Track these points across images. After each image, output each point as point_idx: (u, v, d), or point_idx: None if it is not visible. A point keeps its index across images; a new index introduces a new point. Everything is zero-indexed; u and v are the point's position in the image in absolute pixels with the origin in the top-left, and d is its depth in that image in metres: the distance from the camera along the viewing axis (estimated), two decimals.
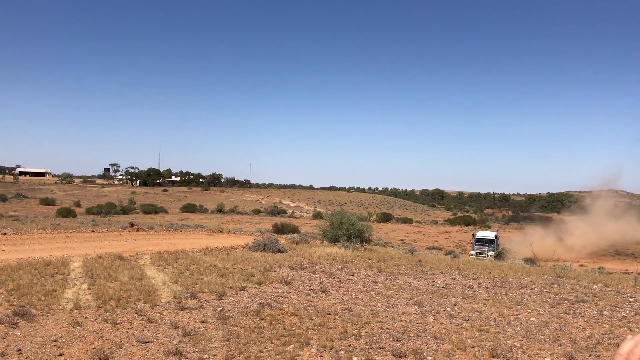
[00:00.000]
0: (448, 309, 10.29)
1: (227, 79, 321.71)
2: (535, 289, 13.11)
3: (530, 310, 10.45)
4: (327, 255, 17.76)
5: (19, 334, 7.50)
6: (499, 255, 44.80)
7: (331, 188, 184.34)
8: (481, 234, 49.16)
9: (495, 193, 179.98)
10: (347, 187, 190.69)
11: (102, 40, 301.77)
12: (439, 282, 13.65)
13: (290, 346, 7.34)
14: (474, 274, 15.51)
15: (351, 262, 16.33)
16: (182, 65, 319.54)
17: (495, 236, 47.69)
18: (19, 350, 6.86)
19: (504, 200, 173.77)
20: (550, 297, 11.98)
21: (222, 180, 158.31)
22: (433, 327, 8.81)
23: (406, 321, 9.12)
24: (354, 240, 21.16)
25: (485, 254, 42.85)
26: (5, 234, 21.61)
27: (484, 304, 11.02)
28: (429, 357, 7.14)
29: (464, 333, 8.44)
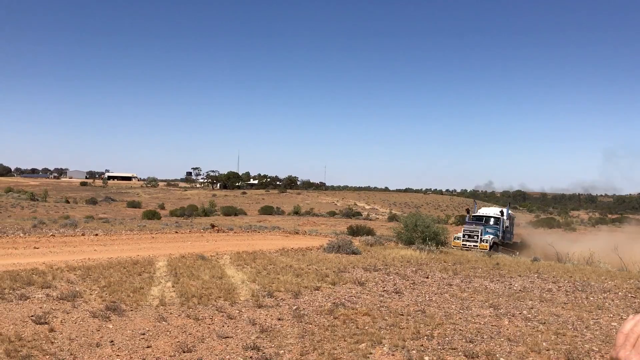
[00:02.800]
0: (524, 312, 10.13)
1: (304, 83, 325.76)
2: (619, 293, 12.62)
3: (611, 315, 10.11)
4: (401, 258, 17.79)
5: (111, 326, 8.10)
6: (506, 247, 34.76)
7: (407, 190, 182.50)
8: (483, 210, 39.35)
9: (581, 194, 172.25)
10: (423, 188, 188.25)
11: (183, 43, 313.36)
12: (516, 285, 13.40)
13: (363, 344, 7.52)
14: (553, 277, 15.09)
15: (426, 265, 16.29)
16: (261, 70, 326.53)
17: (503, 215, 36.47)
18: (112, 341, 7.42)
19: (590, 201, 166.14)
20: (635, 302, 11.51)
21: (298, 182, 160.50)
22: (507, 329, 8.73)
23: (480, 323, 9.08)
24: (429, 242, 21.03)
25: (477, 240, 32.15)
26: (96, 234, 23.02)
27: (563, 307, 10.75)
28: (502, 359, 7.12)
29: (540, 336, 8.31)
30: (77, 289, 10.36)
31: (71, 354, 6.81)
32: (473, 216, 37.66)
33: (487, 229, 34.43)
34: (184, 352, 7.09)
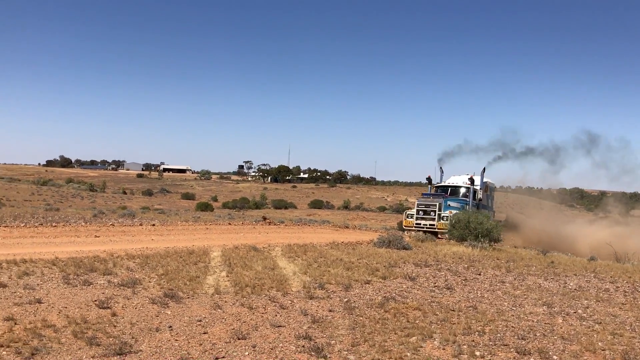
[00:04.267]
0: (579, 311, 9.93)
1: (354, 78, 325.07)
2: None
3: None
4: (453, 254, 17.65)
5: (169, 313, 8.42)
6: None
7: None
8: (453, 179, 31.39)
9: None
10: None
11: (237, 36, 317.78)
12: (571, 284, 13.12)
13: (414, 338, 7.57)
14: (611, 277, 14.68)
15: (478, 262, 16.11)
16: (313, 63, 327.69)
17: (473, 183, 28.74)
18: (170, 327, 7.73)
19: None
20: None
21: (348, 177, 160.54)
22: (561, 327, 8.59)
23: (533, 321, 8.97)
24: (482, 239, 20.77)
25: (435, 218, 26.33)
26: (153, 225, 23.78)
27: (620, 308, 10.47)
28: (555, 357, 7.04)
29: (595, 336, 8.15)
30: (137, 276, 10.78)
31: (132, 337, 7.14)
32: (436, 187, 30.99)
33: (450, 203, 27.69)
34: (238, 339, 7.32)
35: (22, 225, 19.96)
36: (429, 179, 32.11)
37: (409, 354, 6.92)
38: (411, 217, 27.97)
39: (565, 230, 35.86)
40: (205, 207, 59.00)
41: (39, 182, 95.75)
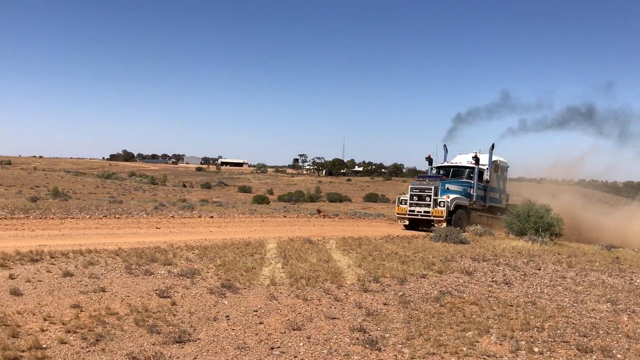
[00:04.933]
0: None
1: (406, 71, 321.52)
2: None
3: None
4: (512, 248, 17.23)
5: (226, 302, 8.60)
6: (489, 213, 25.79)
7: (520, 179, 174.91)
8: (459, 159, 27.26)
9: None
10: (537, 177, 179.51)
11: (294, 29, 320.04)
12: (638, 280, 12.58)
13: (470, 332, 7.46)
14: None
15: (538, 256, 15.67)
16: (367, 57, 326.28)
17: (478, 163, 25.04)
18: (227, 316, 7.89)
19: None
20: None
21: (404, 170, 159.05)
22: (626, 325, 8.27)
23: (595, 318, 8.67)
24: (542, 233, 20.17)
25: (430, 204, 23.21)
26: (212, 217, 24.30)
27: None
28: (619, 355, 6.78)
29: None
30: (195, 266, 11.05)
31: (191, 326, 7.33)
32: (437, 167, 27.02)
33: (449, 186, 24.14)
34: (293, 329, 7.40)
35: (88, 217, 20.79)
36: (428, 159, 27.71)
37: (464, 349, 6.83)
38: (404, 203, 24.44)
39: (610, 220, 31.62)
40: (261, 200, 59.78)
41: (103, 176, 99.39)
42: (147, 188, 79.47)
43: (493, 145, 26.33)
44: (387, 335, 7.35)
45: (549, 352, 6.84)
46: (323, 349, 6.73)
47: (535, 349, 6.89)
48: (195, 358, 6.21)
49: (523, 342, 7.13)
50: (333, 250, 14.66)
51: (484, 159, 26.10)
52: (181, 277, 10.04)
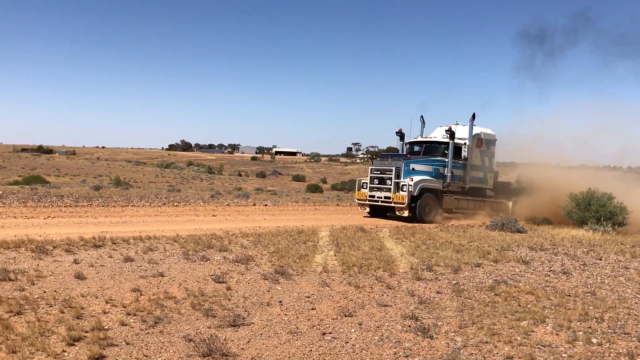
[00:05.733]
0: None
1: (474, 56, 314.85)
2: None
3: None
4: (571, 238, 16.72)
5: (279, 288, 8.73)
6: (468, 196, 22.40)
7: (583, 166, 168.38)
8: (438, 132, 23.34)
9: None
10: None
11: (341, 23, 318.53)
12: None
13: (525, 322, 7.32)
14: None
15: (599, 246, 15.14)
16: (417, 48, 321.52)
17: (454, 137, 21.56)
18: (281, 302, 8.02)
19: None
20: None
21: None
22: None
23: None
24: (604, 222, 19.47)
25: (392, 189, 20.26)
26: (266, 205, 24.64)
27: None
28: None
29: None
30: (250, 253, 11.25)
31: (245, 311, 7.50)
32: (409, 143, 23.34)
33: (415, 166, 20.71)
34: (345, 316, 7.46)
35: (147, 204, 21.45)
36: (399, 134, 23.79)
37: (518, 338, 6.71)
38: (365, 188, 21.64)
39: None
40: (314, 188, 59.98)
41: (163, 165, 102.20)
42: (204, 177, 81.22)
43: (474, 115, 22.26)
44: (440, 323, 7.30)
45: (608, 344, 6.63)
46: (375, 335, 6.76)
47: (594, 340, 6.70)
48: (249, 341, 6.36)
49: (581, 333, 6.94)
50: (386, 239, 14.62)
51: (462, 132, 22.61)
52: (236, 263, 10.26)
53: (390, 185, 20.35)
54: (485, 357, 6.16)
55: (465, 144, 22.12)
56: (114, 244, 11.50)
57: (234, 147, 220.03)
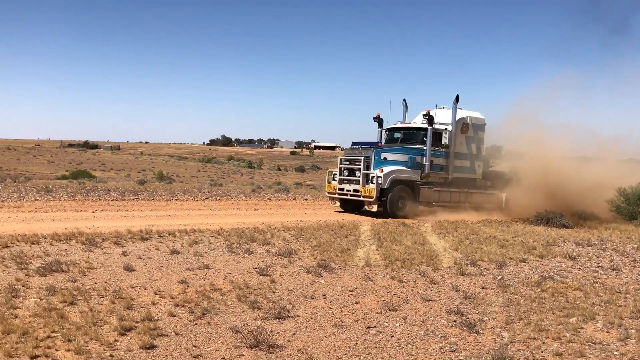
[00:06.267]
0: None
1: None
2: None
3: None
4: (620, 233, 16.27)
5: (322, 282, 8.78)
6: (449, 186, 20.48)
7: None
8: (420, 120, 21.03)
9: None
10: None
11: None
12: None
13: (573, 318, 7.17)
14: None
15: None
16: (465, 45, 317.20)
17: (432, 122, 19.56)
18: (324, 295, 8.07)
19: None
20: None
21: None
22: None
23: None
24: None
25: (360, 180, 18.71)
26: (306, 199, 24.78)
27: None
28: None
29: None
30: (292, 246, 11.34)
31: (290, 303, 7.57)
32: (388, 130, 21.58)
33: (387, 155, 19.04)
34: (389, 310, 7.45)
35: (191, 198, 21.83)
36: (377, 119, 21.98)
37: (567, 335, 6.58)
38: (336, 180, 19.95)
39: None
40: None
41: (204, 160, 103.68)
42: (244, 172, 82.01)
43: (457, 98, 20.20)
44: (486, 318, 7.22)
45: None
46: (420, 330, 6.73)
47: None
48: (294, 333, 6.42)
49: (633, 331, 6.76)
50: (428, 233, 14.52)
51: (445, 117, 20.71)
52: (279, 257, 10.35)
53: (359, 176, 18.81)
54: (534, 353, 6.06)
55: (446, 129, 20.06)
56: (160, 236, 11.76)
57: (273, 142, 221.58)
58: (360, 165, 18.78)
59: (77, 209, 16.74)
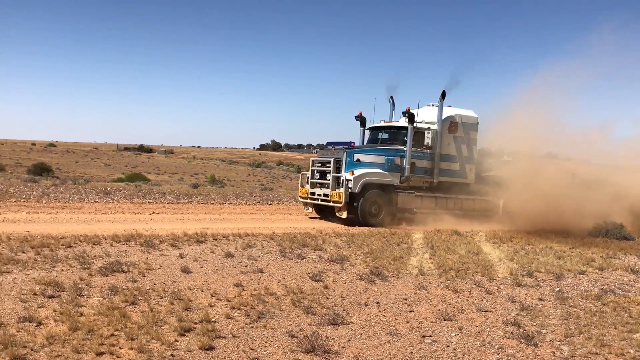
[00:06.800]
0: None
1: None
2: None
3: None
4: None
5: (376, 289, 8.77)
6: (434, 192, 18.56)
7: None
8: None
9: None
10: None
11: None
12: None
13: (638, 334, 6.92)
14: None
15: None
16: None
17: (413, 121, 17.82)
18: (378, 302, 8.05)
19: None
20: None
21: None
22: None
23: None
24: None
25: (330, 183, 17.14)
26: None
27: None
28: None
29: None
30: (344, 253, 11.37)
31: (343, 309, 7.59)
32: (371, 129, 19.92)
33: (361, 157, 17.35)
34: (444, 319, 7.37)
35: (243, 202, 22.17)
36: (359, 118, 20.21)
37: (631, 351, 6.36)
38: (308, 183, 18.39)
39: None
40: None
41: (254, 164, 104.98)
42: (293, 176, 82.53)
43: (444, 94, 18.40)
44: (544, 331, 7.06)
45: None
46: (476, 340, 6.64)
47: None
48: (349, 340, 6.43)
49: None
50: (482, 243, 14.29)
51: (428, 115, 18.97)
52: (331, 263, 10.39)
53: (330, 180, 17.21)
54: None
55: (429, 128, 18.26)
56: (215, 239, 11.98)
57: (321, 147, 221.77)
58: (330, 167, 17.30)
59: (135, 211, 17.24)
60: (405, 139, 17.97)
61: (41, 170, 35.33)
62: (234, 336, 6.30)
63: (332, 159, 17.29)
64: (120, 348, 5.69)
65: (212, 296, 7.79)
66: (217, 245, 11.34)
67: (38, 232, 11.53)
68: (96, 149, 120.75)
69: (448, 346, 6.40)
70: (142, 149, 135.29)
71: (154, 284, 8.18)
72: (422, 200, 18.16)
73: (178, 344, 5.95)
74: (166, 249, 10.67)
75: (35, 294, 7.18)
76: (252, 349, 5.94)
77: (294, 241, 12.30)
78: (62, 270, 8.51)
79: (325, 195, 17.31)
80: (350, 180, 16.57)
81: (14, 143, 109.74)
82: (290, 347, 6.04)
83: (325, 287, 8.65)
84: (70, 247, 10.28)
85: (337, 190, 16.76)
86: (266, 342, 6.20)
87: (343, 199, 16.47)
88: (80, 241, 10.84)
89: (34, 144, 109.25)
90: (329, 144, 18.33)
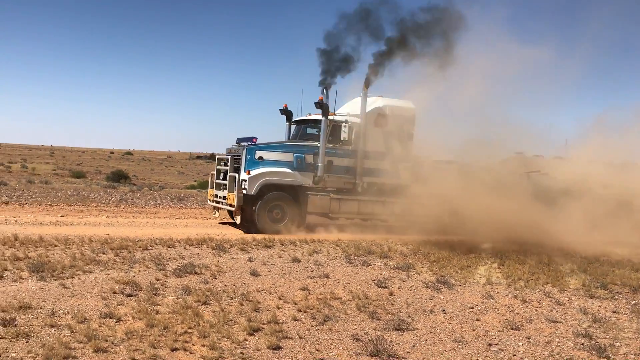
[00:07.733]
0: None
1: None
2: None
3: None
4: None
5: (442, 297, 8.73)
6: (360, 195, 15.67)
7: None
8: (349, 107, 17.14)
9: None
10: None
11: None
12: None
13: None
14: None
15: None
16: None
17: (326, 113, 15.22)
18: (444, 310, 8.03)
19: None
20: None
21: None
22: None
23: None
24: None
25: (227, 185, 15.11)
26: None
27: None
28: None
29: None
30: (410, 261, 11.36)
31: (409, 316, 7.63)
32: (296, 122, 17.11)
33: (264, 154, 15.13)
34: (512, 329, 7.28)
35: None
36: (285, 112, 17.45)
37: None
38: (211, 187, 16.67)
39: None
40: None
41: None
42: None
43: (367, 81, 16.12)
44: (617, 344, 6.84)
45: None
46: (544, 350, 6.52)
47: None
48: (414, 346, 6.47)
49: None
50: None
51: (349, 107, 16.97)
52: (397, 270, 10.41)
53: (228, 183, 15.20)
54: None
55: (345, 121, 15.53)
56: (282, 245, 12.24)
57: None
58: (228, 167, 15.39)
59: (207, 216, 17.83)
60: (318, 132, 15.68)
61: (119, 177, 36.93)
62: (300, 337, 6.47)
63: (229, 157, 15.49)
64: (193, 345, 5.98)
65: (280, 299, 8.01)
66: (284, 250, 11.59)
67: (117, 235, 12.17)
68: (170, 157, 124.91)
69: (515, 355, 6.33)
70: (214, 158, 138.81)
71: (225, 285, 8.49)
72: (340, 204, 15.58)
73: (247, 342, 6.18)
74: (236, 253, 11.01)
75: (114, 293, 7.63)
76: (317, 350, 6.09)
77: (359, 248, 12.37)
78: (140, 270, 8.97)
79: (224, 197, 15.32)
80: (246, 180, 14.54)
81: (94, 151, 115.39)
82: (355, 350, 6.15)
83: (391, 294, 8.70)
84: (146, 249, 10.79)
85: (232, 193, 14.74)
86: (331, 344, 6.34)
87: (235, 202, 14.43)
88: (156, 244, 11.35)
89: (112, 152, 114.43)
90: (239, 140, 15.98)
